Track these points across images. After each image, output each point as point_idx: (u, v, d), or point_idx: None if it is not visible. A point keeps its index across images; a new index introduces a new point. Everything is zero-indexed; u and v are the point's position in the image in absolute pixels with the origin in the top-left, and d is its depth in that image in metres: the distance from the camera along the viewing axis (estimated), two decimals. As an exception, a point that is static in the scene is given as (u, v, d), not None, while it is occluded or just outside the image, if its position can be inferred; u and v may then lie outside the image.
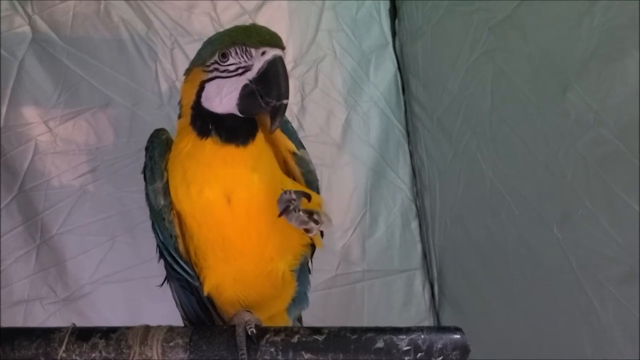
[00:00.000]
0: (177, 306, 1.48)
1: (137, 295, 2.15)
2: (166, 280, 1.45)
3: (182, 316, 1.48)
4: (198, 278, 1.31)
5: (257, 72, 1.16)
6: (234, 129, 1.19)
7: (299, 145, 1.36)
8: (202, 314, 1.41)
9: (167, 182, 1.27)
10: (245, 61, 1.16)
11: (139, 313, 2.13)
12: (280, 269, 1.30)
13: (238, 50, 1.16)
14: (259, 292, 1.32)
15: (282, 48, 1.17)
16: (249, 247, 1.26)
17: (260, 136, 1.25)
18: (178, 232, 1.29)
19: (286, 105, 1.16)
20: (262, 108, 1.16)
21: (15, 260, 2.06)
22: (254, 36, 1.17)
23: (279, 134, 1.32)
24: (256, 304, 1.33)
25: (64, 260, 2.09)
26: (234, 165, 1.19)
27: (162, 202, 1.30)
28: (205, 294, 1.31)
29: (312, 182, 1.39)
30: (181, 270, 1.33)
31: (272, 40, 1.17)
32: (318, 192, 1.40)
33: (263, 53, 1.16)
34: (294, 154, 1.35)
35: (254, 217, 1.22)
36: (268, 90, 1.15)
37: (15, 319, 2.04)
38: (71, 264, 2.10)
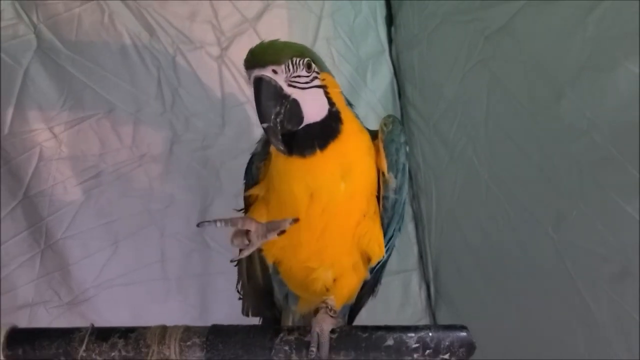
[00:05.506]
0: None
1: (140, 298, 2.18)
2: None
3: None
4: None
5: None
6: (292, 143, 1.21)
7: (394, 167, 1.33)
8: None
9: None
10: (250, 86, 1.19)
11: (142, 316, 2.13)
12: (320, 279, 1.35)
13: (246, 75, 1.20)
14: (304, 285, 1.38)
15: (265, 65, 1.15)
16: (307, 245, 1.30)
17: (362, 149, 1.29)
18: (261, 179, 1.37)
19: (267, 128, 1.16)
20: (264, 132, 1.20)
21: (19, 265, 2.07)
22: (247, 58, 1.19)
23: (380, 151, 1.32)
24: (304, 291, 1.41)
25: (68, 265, 2.11)
26: (321, 171, 1.23)
27: (260, 150, 1.38)
28: (270, 263, 1.40)
29: (387, 209, 1.36)
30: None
31: (253, 59, 1.17)
32: (389, 225, 1.39)
33: (250, 76, 1.18)
34: (382, 173, 1.33)
35: (326, 220, 1.26)
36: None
37: (20, 323, 2.01)
38: (75, 268, 2.12)
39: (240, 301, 1.64)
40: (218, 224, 1.21)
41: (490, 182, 1.94)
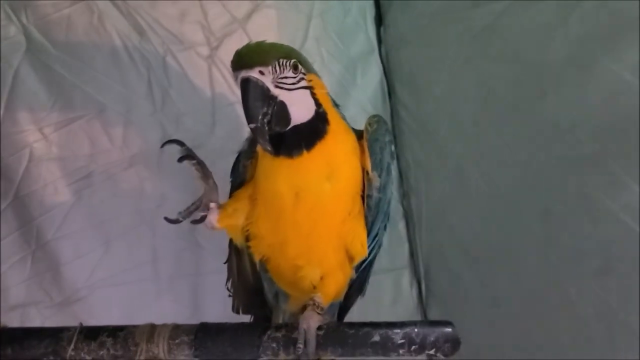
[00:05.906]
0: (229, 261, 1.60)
1: (132, 298, 2.17)
2: None
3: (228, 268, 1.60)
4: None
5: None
6: (279, 144, 1.23)
7: (378, 166, 1.33)
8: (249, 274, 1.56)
9: None
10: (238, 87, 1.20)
11: (134, 316, 2.09)
12: (308, 277, 1.36)
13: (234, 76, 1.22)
14: (292, 283, 1.39)
15: (252, 66, 1.17)
16: (295, 243, 1.32)
17: (347, 149, 1.30)
18: (248, 177, 1.39)
19: (254, 128, 1.18)
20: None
21: (10, 266, 2.06)
22: (234, 60, 1.20)
23: (365, 151, 1.33)
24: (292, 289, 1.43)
25: (59, 265, 2.10)
26: (307, 171, 1.25)
27: (247, 148, 1.41)
28: (257, 260, 1.42)
29: (370, 207, 1.36)
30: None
31: (240, 61, 1.19)
32: (373, 224, 1.39)
33: (237, 77, 1.19)
34: (366, 172, 1.34)
35: (313, 219, 1.28)
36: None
37: (11, 324, 2.03)
38: (66, 268, 2.11)
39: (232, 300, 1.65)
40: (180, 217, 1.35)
41: (479, 179, 1.96)
